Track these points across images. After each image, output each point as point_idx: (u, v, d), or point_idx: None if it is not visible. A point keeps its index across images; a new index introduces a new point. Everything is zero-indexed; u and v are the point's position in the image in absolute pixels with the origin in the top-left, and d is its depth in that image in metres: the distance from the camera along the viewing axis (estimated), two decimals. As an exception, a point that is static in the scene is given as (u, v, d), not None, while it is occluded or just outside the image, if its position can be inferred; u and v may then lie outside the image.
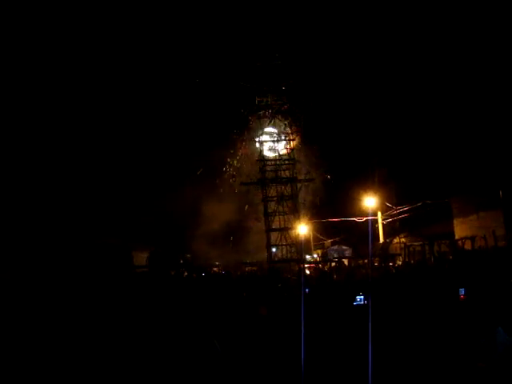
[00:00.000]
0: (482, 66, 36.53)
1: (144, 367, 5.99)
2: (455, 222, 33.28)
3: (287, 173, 36.52)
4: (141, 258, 35.38)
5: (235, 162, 37.51)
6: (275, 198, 36.10)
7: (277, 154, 37.46)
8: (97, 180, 38.74)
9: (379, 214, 37.97)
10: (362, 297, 7.27)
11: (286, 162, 36.82)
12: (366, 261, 28.60)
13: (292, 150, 36.81)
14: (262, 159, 37.13)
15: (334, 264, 33.73)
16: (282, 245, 35.85)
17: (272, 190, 36.29)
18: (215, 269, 34.98)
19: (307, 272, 30.42)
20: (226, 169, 37.58)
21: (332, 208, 39.03)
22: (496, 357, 3.07)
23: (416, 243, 30.65)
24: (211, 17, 44.27)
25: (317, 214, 37.90)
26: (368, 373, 2.96)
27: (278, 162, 37.11)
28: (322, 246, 43.29)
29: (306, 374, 3.52)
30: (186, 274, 30.76)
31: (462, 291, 6.78)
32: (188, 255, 33.48)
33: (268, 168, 36.96)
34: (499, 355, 3.08)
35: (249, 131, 37.49)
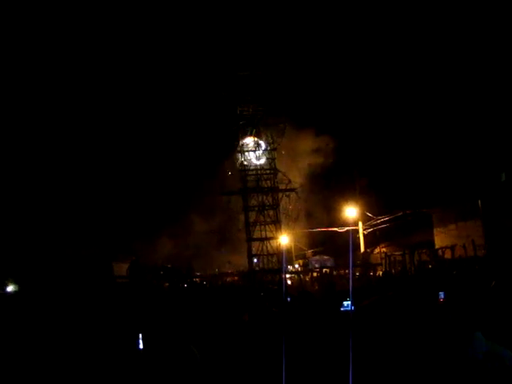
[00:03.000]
0: (460, 79, 37.05)
1: (117, 373, 5.87)
2: (435, 231, 33.52)
3: (268, 182, 36.52)
4: (121, 268, 34.98)
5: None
6: (256, 208, 36.04)
7: (258, 164, 37.43)
8: (77, 191, 38.39)
9: (360, 224, 38.11)
10: (349, 302, 7.19)
11: (267, 171, 36.81)
12: (347, 271, 28.66)
13: (273, 159, 36.81)
14: (244, 169, 37.08)
15: (315, 274, 33.72)
16: (263, 254, 35.74)
17: (253, 200, 36.24)
18: (196, 279, 34.73)
19: (288, 282, 30.36)
20: (209, 179, 37.53)
21: (313, 218, 39.09)
22: (476, 361, 3.02)
23: (397, 253, 30.79)
24: (192, 27, 44.30)
25: (298, 224, 37.92)
26: (349, 377, 2.91)
27: (259, 172, 37.09)
28: (303, 256, 43.26)
29: (287, 378, 3.44)
30: (166, 284, 30.49)
31: (441, 295, 6.78)
32: (169, 265, 33.23)
33: (249, 178, 36.91)
34: (479, 359, 3.03)
35: (230, 141, 37.47)
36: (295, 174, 37.25)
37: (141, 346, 6.27)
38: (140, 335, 6.37)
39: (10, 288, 27.16)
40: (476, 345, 3.12)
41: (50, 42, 38.93)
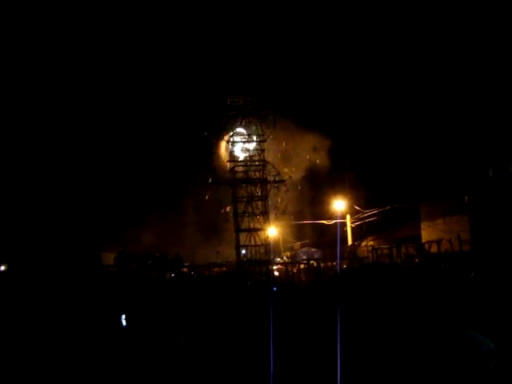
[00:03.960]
0: (451, 72, 37.21)
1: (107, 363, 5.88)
2: (422, 225, 33.74)
3: (257, 174, 36.57)
4: (108, 257, 34.87)
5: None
6: (245, 199, 36.09)
7: (247, 155, 37.43)
8: (65, 181, 38.18)
9: (348, 216, 38.29)
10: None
11: (257, 163, 36.84)
12: (334, 263, 28.80)
13: (263, 150, 36.84)
14: (233, 160, 37.09)
15: (302, 266, 33.85)
16: (251, 245, 35.84)
17: (242, 191, 36.30)
18: (184, 269, 34.70)
19: (276, 273, 30.47)
20: (198, 169, 37.45)
21: (302, 210, 39.18)
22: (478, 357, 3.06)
23: (384, 246, 31.02)
24: (183, 17, 44.07)
25: (286, 215, 38.02)
26: (337, 369, 2.94)
27: (248, 163, 37.11)
28: (291, 248, 43.41)
29: (275, 370, 3.47)
30: (154, 274, 30.42)
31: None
32: (157, 254, 33.16)
33: (238, 169, 36.93)
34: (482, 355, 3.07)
35: (220, 132, 37.44)
36: (284, 166, 37.31)
37: (124, 325, 6.30)
38: (123, 315, 6.39)
39: (2, 267, 27.46)
40: (456, 333, 3.17)
41: (45, 42, 38.63)
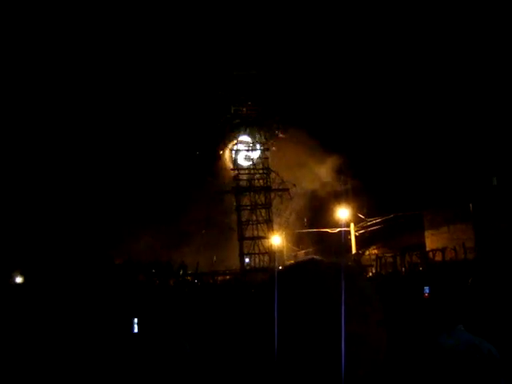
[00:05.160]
0: (454, 79, 37.26)
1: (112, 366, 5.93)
2: (426, 233, 33.71)
3: (261, 182, 36.64)
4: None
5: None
6: (249, 207, 36.15)
7: (251, 163, 37.53)
8: (72, 188, 38.30)
9: (352, 225, 38.24)
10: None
11: (260, 171, 36.92)
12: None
13: (266, 159, 36.93)
14: (237, 168, 37.18)
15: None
16: (254, 253, 35.84)
17: (246, 199, 36.35)
18: (188, 277, 34.69)
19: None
20: (202, 178, 37.51)
21: (305, 218, 39.16)
22: (457, 352, 3.10)
23: (388, 254, 30.94)
24: (187, 25, 44.28)
25: (290, 223, 38.01)
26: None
27: (252, 171, 37.20)
28: (295, 257, 43.35)
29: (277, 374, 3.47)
30: (157, 282, 30.43)
31: (426, 290, 6.85)
32: (162, 261, 33.17)
33: (242, 177, 37.02)
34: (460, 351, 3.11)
35: (224, 140, 37.57)
36: (288, 174, 37.32)
37: (135, 330, 6.35)
38: (135, 320, 6.45)
39: (19, 279, 27.81)
40: (457, 336, 3.20)
41: (43, 42, 38.83)
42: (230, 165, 37.50)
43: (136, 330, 6.25)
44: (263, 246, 35.70)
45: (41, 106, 38.70)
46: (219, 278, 34.21)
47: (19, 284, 26.56)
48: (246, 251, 35.75)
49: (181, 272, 31.02)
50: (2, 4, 37.36)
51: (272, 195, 36.65)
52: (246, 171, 37.32)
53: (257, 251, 35.67)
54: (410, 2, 41.97)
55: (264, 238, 35.72)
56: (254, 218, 35.96)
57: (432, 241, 32.04)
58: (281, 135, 36.63)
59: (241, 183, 36.67)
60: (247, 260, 36.38)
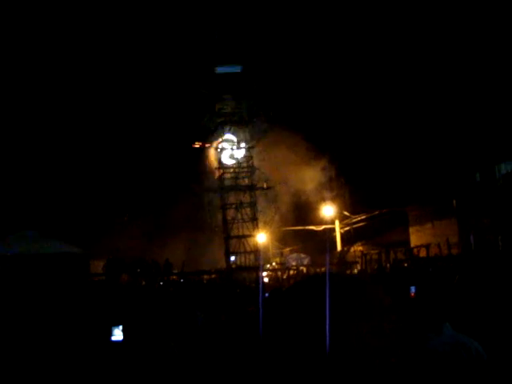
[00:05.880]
0: (436, 79, 37.50)
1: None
2: (411, 230, 33.95)
3: (246, 180, 36.58)
4: (97, 265, 34.59)
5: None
6: (234, 206, 36.08)
7: (236, 162, 37.44)
8: (52, 186, 37.97)
9: (337, 222, 38.39)
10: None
11: (245, 169, 36.85)
12: (323, 268, 28.80)
13: (251, 157, 36.86)
14: (221, 167, 37.08)
15: (292, 272, 33.85)
16: (240, 252, 35.78)
17: (231, 198, 36.28)
18: (174, 277, 34.51)
19: (266, 280, 30.42)
20: (187, 176, 37.38)
21: (291, 216, 39.19)
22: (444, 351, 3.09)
23: (373, 251, 31.10)
24: (171, 22, 44.01)
25: (275, 222, 37.99)
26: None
27: (236, 170, 37.12)
28: (280, 254, 43.41)
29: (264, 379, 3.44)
30: (143, 282, 30.20)
31: (412, 289, 6.87)
32: (149, 260, 32.89)
33: (227, 175, 36.93)
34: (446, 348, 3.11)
35: (208, 138, 37.41)
36: (273, 172, 37.28)
37: (121, 338, 6.26)
38: (120, 327, 6.36)
39: None
40: (444, 335, 3.19)
41: (40, 41, 38.51)
42: (214, 163, 37.37)
43: (121, 338, 6.16)
44: (249, 244, 35.67)
45: (26, 97, 38.42)
46: (205, 276, 34.11)
47: None
48: (231, 250, 35.69)
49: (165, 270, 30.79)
50: (2, 4, 37.01)
51: (257, 193, 36.61)
52: (231, 170, 37.23)
53: (242, 250, 35.62)
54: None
55: (250, 236, 35.68)
56: (240, 216, 35.90)
57: (417, 237, 32.29)
58: (265, 133, 36.52)
59: (226, 182, 36.59)
60: (233, 258, 36.31)
